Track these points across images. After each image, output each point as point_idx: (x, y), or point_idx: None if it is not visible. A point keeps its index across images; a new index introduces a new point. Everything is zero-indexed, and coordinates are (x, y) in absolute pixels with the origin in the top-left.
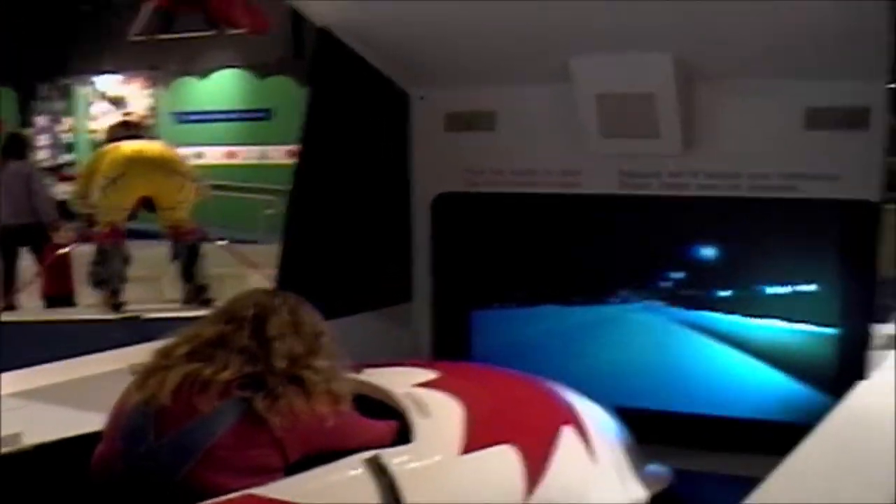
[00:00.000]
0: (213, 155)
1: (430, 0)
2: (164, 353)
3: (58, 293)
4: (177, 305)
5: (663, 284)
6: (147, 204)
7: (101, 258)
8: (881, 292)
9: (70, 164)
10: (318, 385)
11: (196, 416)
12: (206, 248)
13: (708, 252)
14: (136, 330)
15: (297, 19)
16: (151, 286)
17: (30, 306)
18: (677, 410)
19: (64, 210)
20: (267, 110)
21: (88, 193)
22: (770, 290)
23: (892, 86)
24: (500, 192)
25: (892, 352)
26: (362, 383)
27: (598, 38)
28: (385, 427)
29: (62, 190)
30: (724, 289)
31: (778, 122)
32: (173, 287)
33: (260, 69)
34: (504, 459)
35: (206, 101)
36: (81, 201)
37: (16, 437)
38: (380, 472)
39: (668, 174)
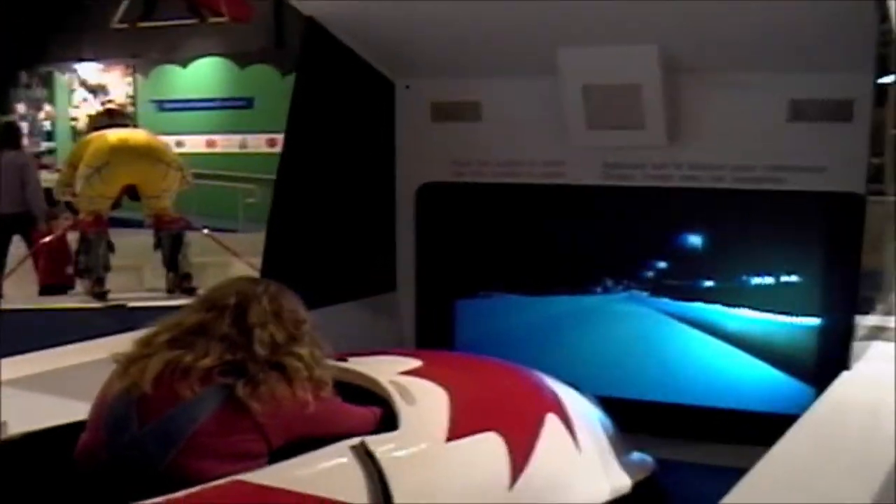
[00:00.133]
0: (194, 143)
1: None
2: (145, 342)
3: (56, 282)
4: (161, 294)
5: (647, 275)
6: (131, 192)
7: (85, 247)
8: (864, 284)
9: (51, 152)
10: (299, 371)
11: (178, 402)
12: (189, 236)
13: (692, 243)
14: (122, 319)
15: (279, 8)
16: (135, 275)
17: (15, 294)
18: (660, 400)
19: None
20: (248, 99)
21: (72, 182)
22: (754, 280)
23: (878, 79)
24: (484, 182)
25: (875, 343)
26: (347, 371)
27: (584, 30)
28: (368, 413)
29: (43, 178)
30: (707, 279)
31: (762, 115)
32: (157, 276)
33: (241, 58)
34: (489, 446)
35: (187, 89)
36: (65, 190)
37: (1, 426)
38: (367, 458)
39: (652, 166)
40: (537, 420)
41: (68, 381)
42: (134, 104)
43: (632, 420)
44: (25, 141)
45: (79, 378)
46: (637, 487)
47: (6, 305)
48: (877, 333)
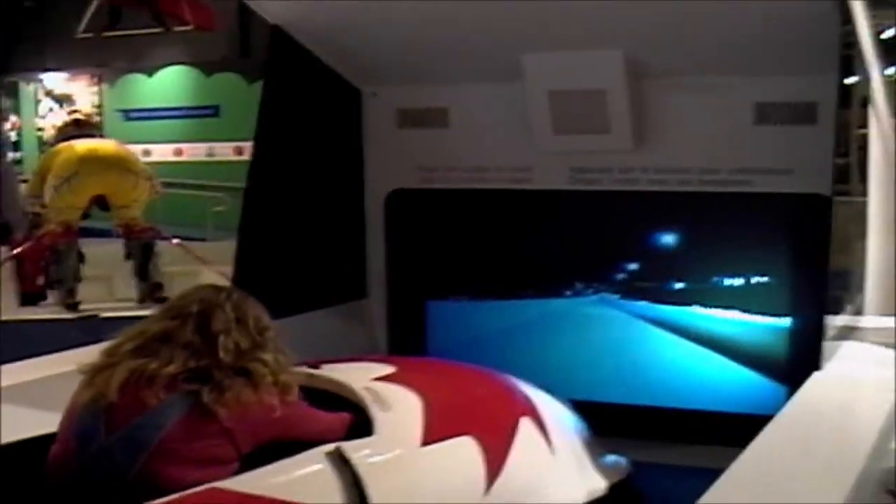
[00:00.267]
0: (161, 152)
1: None
2: (110, 352)
3: (36, 290)
4: (132, 304)
5: (617, 277)
6: (100, 202)
7: (56, 258)
8: (833, 284)
9: (17, 163)
10: (265, 377)
11: (144, 410)
12: (159, 245)
13: (661, 245)
14: (93, 329)
15: (244, 16)
16: (106, 285)
17: None
18: (633, 403)
19: None
20: (214, 107)
21: (41, 193)
22: (723, 282)
23: (842, 80)
24: (453, 188)
25: (846, 342)
26: (321, 378)
27: (549, 36)
28: (336, 419)
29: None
30: (677, 281)
31: (728, 118)
32: (127, 285)
33: (207, 66)
34: (464, 451)
35: (153, 98)
36: (34, 200)
37: None
38: (343, 464)
39: (618, 170)
40: (511, 424)
41: (40, 393)
42: (100, 113)
43: (605, 423)
44: None
45: (51, 390)
46: (612, 489)
47: None
48: (847, 333)
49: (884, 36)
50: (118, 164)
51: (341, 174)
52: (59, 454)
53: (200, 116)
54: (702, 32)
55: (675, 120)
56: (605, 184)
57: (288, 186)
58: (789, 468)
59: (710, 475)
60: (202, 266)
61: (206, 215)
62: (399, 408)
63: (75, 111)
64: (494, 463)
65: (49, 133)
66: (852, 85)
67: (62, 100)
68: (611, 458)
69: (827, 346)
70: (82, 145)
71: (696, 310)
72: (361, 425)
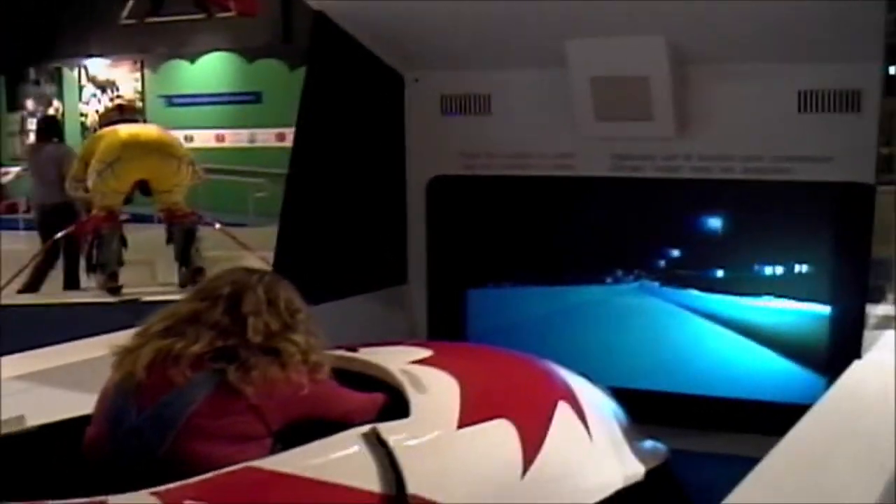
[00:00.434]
0: (203, 138)
1: None
2: (140, 333)
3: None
4: (174, 288)
5: (658, 265)
6: (143, 187)
7: (98, 242)
8: (874, 273)
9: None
10: (293, 356)
11: (171, 389)
12: (201, 231)
13: (702, 233)
14: (135, 313)
15: (287, 2)
16: (147, 269)
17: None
18: (671, 390)
19: None
20: (256, 93)
21: (84, 178)
22: (764, 270)
23: (887, 68)
24: (494, 174)
25: (886, 331)
26: (357, 360)
27: (592, 22)
28: (368, 399)
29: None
30: (718, 269)
31: (771, 106)
32: (169, 270)
33: (249, 52)
34: (501, 434)
35: (196, 84)
36: (77, 185)
37: (19, 419)
38: (379, 445)
39: (661, 157)
40: (549, 408)
41: (82, 375)
42: (142, 99)
43: (644, 410)
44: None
45: (92, 372)
46: (650, 475)
47: (22, 301)
48: (888, 322)
49: None
50: (161, 149)
51: (383, 160)
52: (93, 435)
53: (242, 102)
54: (745, 18)
55: (718, 107)
56: (647, 171)
57: (329, 172)
58: (828, 457)
59: (749, 464)
60: (244, 251)
61: (248, 201)
62: (435, 390)
63: (118, 97)
64: (531, 447)
65: (92, 119)
66: None
67: (105, 86)
68: (648, 445)
69: (868, 335)
70: (125, 130)
71: (736, 298)
72: (398, 408)
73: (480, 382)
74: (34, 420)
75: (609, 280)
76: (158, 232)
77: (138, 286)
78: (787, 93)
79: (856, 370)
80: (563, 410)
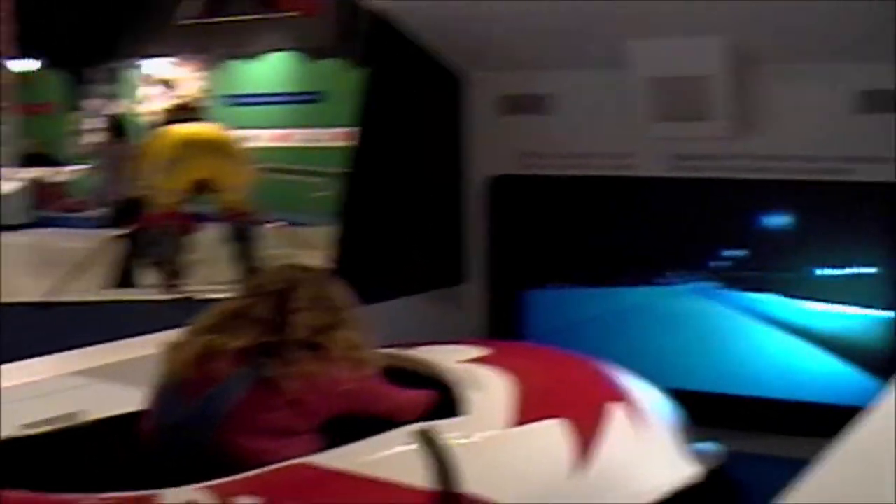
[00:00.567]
0: (264, 138)
1: None
2: (188, 329)
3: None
4: (230, 287)
5: (715, 267)
6: (203, 186)
7: (157, 240)
8: None
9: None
10: (336, 352)
11: (214, 383)
12: (261, 230)
13: (761, 234)
14: (189, 311)
15: (349, 2)
16: (205, 268)
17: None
18: (728, 392)
19: None
20: (317, 93)
21: (144, 176)
22: (824, 272)
23: None
24: (554, 174)
25: None
26: (410, 359)
27: (652, 22)
28: (415, 396)
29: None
30: (776, 271)
31: (831, 106)
32: (229, 269)
33: (310, 52)
34: (554, 433)
35: (257, 84)
36: (138, 183)
37: (77, 415)
38: (429, 443)
39: (720, 157)
40: (603, 408)
41: (138, 371)
42: (204, 99)
43: (699, 412)
44: (92, 137)
45: (148, 368)
46: (706, 477)
47: (76, 298)
48: None
49: None
50: (220, 148)
51: (441, 160)
52: (146, 429)
53: (304, 102)
54: (805, 18)
55: (778, 107)
56: (706, 171)
57: (387, 172)
58: (882, 460)
59: (805, 467)
60: (302, 250)
61: (309, 200)
62: (489, 389)
63: (181, 97)
64: (585, 447)
65: (150, 118)
66: None
67: (166, 85)
68: (704, 447)
69: None
70: (185, 129)
71: (794, 301)
72: (451, 406)
73: (535, 382)
74: (91, 415)
75: (666, 281)
76: (218, 231)
77: (198, 284)
78: (847, 92)
79: None
80: (617, 411)
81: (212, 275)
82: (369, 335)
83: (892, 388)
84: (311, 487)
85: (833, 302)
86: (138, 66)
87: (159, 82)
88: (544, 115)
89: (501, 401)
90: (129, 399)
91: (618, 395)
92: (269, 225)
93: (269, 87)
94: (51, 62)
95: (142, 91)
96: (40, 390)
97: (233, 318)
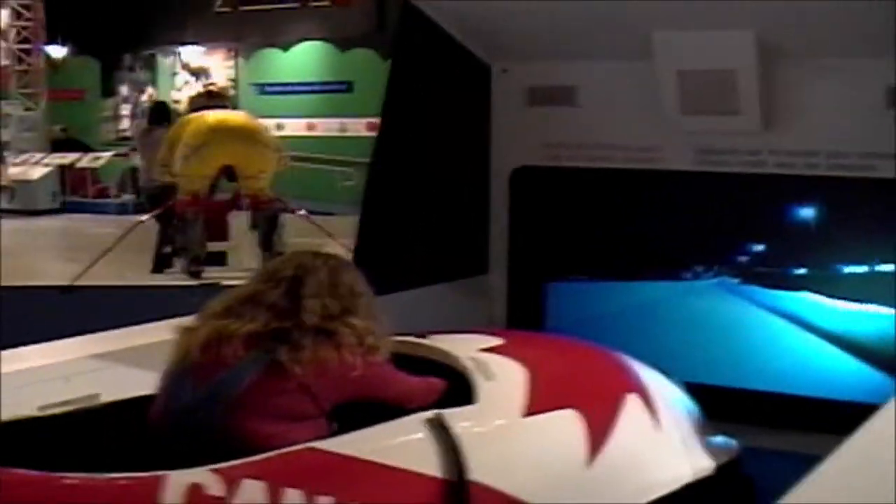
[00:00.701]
0: (294, 126)
1: None
2: (202, 314)
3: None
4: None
5: (738, 262)
6: (228, 173)
7: (182, 226)
8: None
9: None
10: (348, 338)
11: (224, 367)
12: (286, 218)
13: (785, 230)
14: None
15: None
16: (231, 254)
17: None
18: (746, 387)
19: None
20: (348, 83)
21: (171, 162)
22: (847, 270)
23: None
24: (579, 166)
25: None
26: (423, 346)
27: (680, 14)
28: (426, 383)
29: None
30: (800, 267)
31: (859, 101)
32: (253, 256)
33: (341, 42)
34: (567, 423)
35: (288, 73)
36: (164, 169)
37: (94, 397)
38: (441, 431)
39: (746, 152)
40: (618, 400)
41: (154, 356)
42: (235, 87)
43: (718, 406)
44: (127, 123)
45: (164, 353)
46: (720, 470)
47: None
48: None
49: None
50: (247, 135)
51: (467, 150)
52: (155, 412)
53: (334, 92)
54: (835, 13)
55: (806, 102)
56: (731, 165)
57: (412, 161)
58: (884, 460)
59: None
60: (328, 238)
61: (337, 190)
62: (503, 378)
63: (211, 84)
64: (598, 437)
65: (184, 105)
66: None
67: (198, 73)
68: (719, 440)
69: None
70: (212, 116)
71: (815, 297)
72: (464, 394)
73: (549, 372)
74: (106, 398)
75: (689, 276)
76: (244, 218)
77: (222, 270)
78: (875, 88)
79: None
80: (632, 403)
81: (237, 261)
82: (383, 322)
83: None
84: (317, 472)
85: (856, 299)
86: (172, 54)
87: (192, 70)
88: (570, 106)
89: (514, 390)
90: (146, 383)
91: (633, 387)
92: (296, 213)
93: (301, 76)
94: (80, 48)
95: (177, 79)
96: (58, 373)
97: (245, 303)
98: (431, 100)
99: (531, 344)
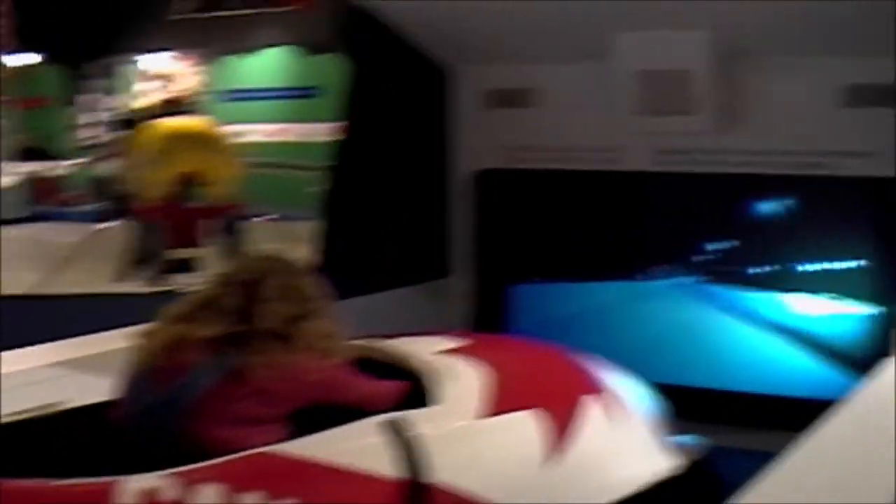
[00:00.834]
0: (262, 132)
1: None
2: (160, 318)
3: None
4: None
5: (698, 261)
6: (189, 180)
7: (141, 233)
8: None
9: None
10: (304, 342)
11: (183, 372)
12: (252, 224)
13: (743, 229)
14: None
15: None
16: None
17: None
18: (711, 387)
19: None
20: (314, 88)
21: (132, 169)
22: (806, 267)
23: None
24: (539, 168)
25: None
26: (380, 349)
27: (635, 15)
28: (385, 387)
29: (104, 167)
30: (758, 265)
31: (813, 100)
32: (217, 262)
33: (307, 47)
34: (527, 424)
35: (254, 78)
36: (123, 177)
37: (57, 405)
38: (395, 433)
39: (703, 152)
40: (578, 401)
41: (114, 363)
42: (201, 94)
43: (683, 405)
44: (89, 132)
45: (123, 360)
46: (685, 470)
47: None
48: None
49: None
50: (206, 142)
51: (426, 154)
52: (116, 416)
53: (301, 97)
54: (789, 12)
55: (761, 101)
56: (688, 165)
57: (373, 166)
58: (848, 454)
59: None
60: (292, 244)
61: (302, 195)
62: (460, 379)
63: (169, 91)
64: (558, 438)
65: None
66: None
67: (162, 79)
68: (685, 440)
69: None
70: (169, 123)
71: (775, 295)
72: (422, 396)
73: (508, 374)
74: (68, 405)
75: (652, 276)
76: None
77: (184, 277)
78: (828, 87)
79: (886, 368)
80: (593, 403)
81: (200, 268)
82: (341, 326)
83: (864, 384)
84: (275, 476)
85: (818, 296)
86: (135, 61)
87: (156, 77)
88: (529, 108)
89: (474, 391)
90: (107, 389)
91: (594, 388)
92: (258, 219)
93: (266, 81)
94: (50, 57)
95: (138, 86)
96: (21, 381)
97: (203, 307)
98: (390, 104)
99: (491, 346)
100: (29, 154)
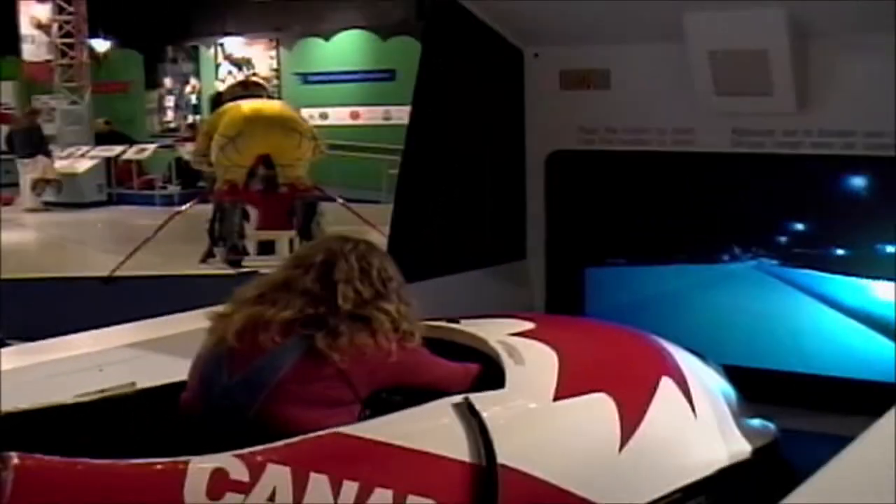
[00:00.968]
0: (338, 115)
1: None
2: (234, 300)
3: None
4: None
5: (776, 243)
6: (266, 161)
7: (221, 215)
8: None
9: (191, 126)
10: (383, 324)
11: (261, 354)
12: (326, 206)
13: (822, 211)
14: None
15: None
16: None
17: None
18: (785, 370)
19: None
20: (391, 71)
21: (208, 152)
22: (884, 250)
23: None
24: (614, 149)
25: None
26: (454, 331)
27: None
28: (461, 368)
29: (184, 151)
30: (837, 248)
31: (894, 79)
32: (295, 244)
33: (383, 30)
34: (598, 407)
35: (330, 62)
36: (201, 160)
37: (130, 385)
38: (471, 415)
39: (781, 132)
40: (651, 383)
41: (188, 344)
42: (278, 77)
43: (756, 388)
44: (171, 114)
45: (198, 341)
46: (757, 454)
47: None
48: None
49: None
50: (282, 124)
51: (501, 135)
52: (187, 398)
53: (377, 80)
54: None
55: (841, 81)
56: (767, 146)
57: (447, 148)
58: None
59: None
60: (368, 226)
61: (382, 178)
62: (533, 362)
63: (254, 74)
64: (630, 421)
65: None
66: None
67: (241, 63)
68: (757, 423)
69: None
70: (248, 105)
71: (854, 280)
72: (495, 379)
73: (581, 355)
74: (141, 386)
75: (727, 258)
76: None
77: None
78: None
79: None
80: (666, 386)
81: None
82: (415, 307)
83: None
84: (343, 457)
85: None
86: (214, 45)
87: (234, 60)
88: (604, 89)
89: (546, 374)
90: (180, 371)
91: (667, 370)
92: (335, 201)
93: (344, 64)
94: (123, 41)
95: (220, 69)
96: (95, 362)
97: (278, 289)
98: (464, 85)
99: (563, 328)
100: (108, 138)
